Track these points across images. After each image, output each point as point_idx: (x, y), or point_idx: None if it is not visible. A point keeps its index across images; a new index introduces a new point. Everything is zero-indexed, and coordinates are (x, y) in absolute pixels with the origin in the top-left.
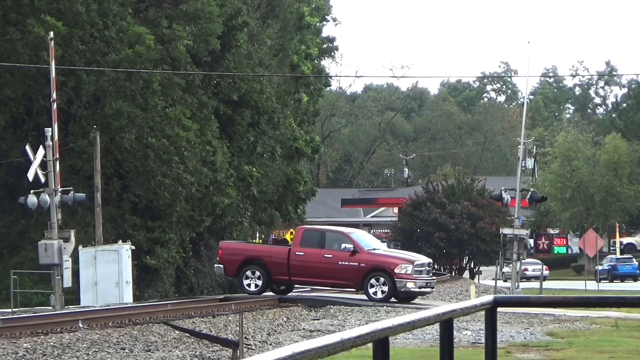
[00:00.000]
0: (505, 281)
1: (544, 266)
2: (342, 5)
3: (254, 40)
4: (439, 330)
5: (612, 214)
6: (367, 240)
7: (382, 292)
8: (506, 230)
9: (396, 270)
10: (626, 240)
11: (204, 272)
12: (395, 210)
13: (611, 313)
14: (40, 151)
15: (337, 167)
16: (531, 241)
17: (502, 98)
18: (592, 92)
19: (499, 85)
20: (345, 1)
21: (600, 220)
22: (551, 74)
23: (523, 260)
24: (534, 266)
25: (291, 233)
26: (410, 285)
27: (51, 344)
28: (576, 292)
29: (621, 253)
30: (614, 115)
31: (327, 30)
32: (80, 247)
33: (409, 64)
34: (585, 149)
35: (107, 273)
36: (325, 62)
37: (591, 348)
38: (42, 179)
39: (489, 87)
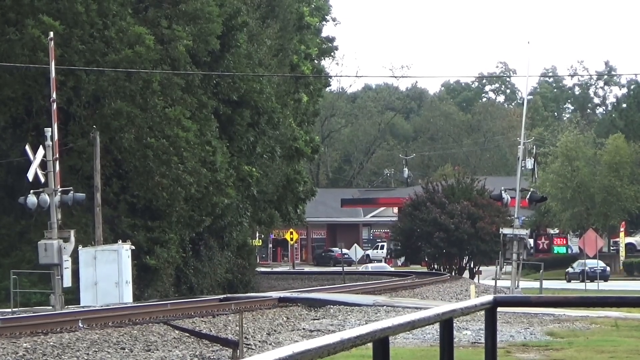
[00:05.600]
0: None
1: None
2: (342, 5)
3: (254, 40)
4: (438, 330)
5: (612, 214)
6: None
7: None
8: (506, 230)
9: None
10: (626, 240)
11: (203, 272)
12: (395, 210)
13: (611, 313)
14: (40, 151)
15: (337, 167)
16: (531, 241)
17: (501, 98)
18: (591, 92)
19: (497, 85)
20: (345, 1)
21: (601, 221)
22: (550, 74)
23: None
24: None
25: (291, 233)
26: None
27: (51, 343)
28: (576, 292)
29: (625, 252)
30: (614, 115)
31: (327, 30)
32: (80, 247)
33: (409, 64)
34: (586, 149)
35: (107, 273)
36: (326, 62)
37: (591, 348)
38: (42, 179)
39: (487, 87)
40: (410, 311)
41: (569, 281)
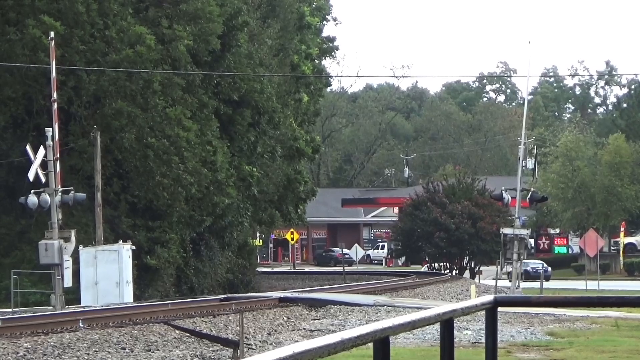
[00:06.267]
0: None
1: None
2: (342, 5)
3: (255, 40)
4: (439, 330)
5: (613, 214)
6: None
7: None
8: (507, 230)
9: None
10: (627, 240)
11: (204, 272)
12: (396, 210)
13: (611, 313)
14: (41, 151)
15: (338, 167)
16: (532, 241)
17: (501, 98)
18: (592, 91)
19: (498, 85)
20: (346, 1)
21: (601, 221)
22: (551, 74)
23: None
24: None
25: (291, 233)
26: None
27: (51, 343)
28: (576, 292)
29: (623, 252)
30: (615, 115)
31: (328, 30)
32: (80, 247)
33: (410, 64)
34: (586, 149)
35: (107, 273)
36: (326, 62)
37: (591, 348)
38: (43, 179)
39: (488, 87)
40: (410, 311)
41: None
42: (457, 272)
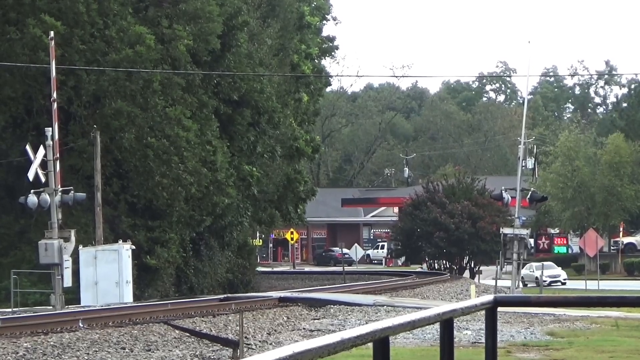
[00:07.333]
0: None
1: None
2: (342, 4)
3: (254, 39)
4: (439, 330)
5: (613, 214)
6: None
7: None
8: (506, 230)
9: None
10: (626, 240)
11: (204, 272)
12: (396, 210)
13: (611, 313)
14: (41, 151)
15: (338, 167)
16: (531, 241)
17: (501, 98)
18: (591, 91)
19: (498, 85)
20: (346, 1)
21: (601, 220)
22: (551, 74)
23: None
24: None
25: (291, 233)
26: None
27: (51, 343)
28: (576, 291)
29: (621, 252)
30: (614, 115)
31: (328, 29)
32: (80, 247)
33: (410, 63)
34: (586, 148)
35: (107, 273)
36: (326, 62)
37: (591, 348)
38: (43, 179)
39: (488, 87)
40: (410, 311)
41: None
42: (456, 272)
